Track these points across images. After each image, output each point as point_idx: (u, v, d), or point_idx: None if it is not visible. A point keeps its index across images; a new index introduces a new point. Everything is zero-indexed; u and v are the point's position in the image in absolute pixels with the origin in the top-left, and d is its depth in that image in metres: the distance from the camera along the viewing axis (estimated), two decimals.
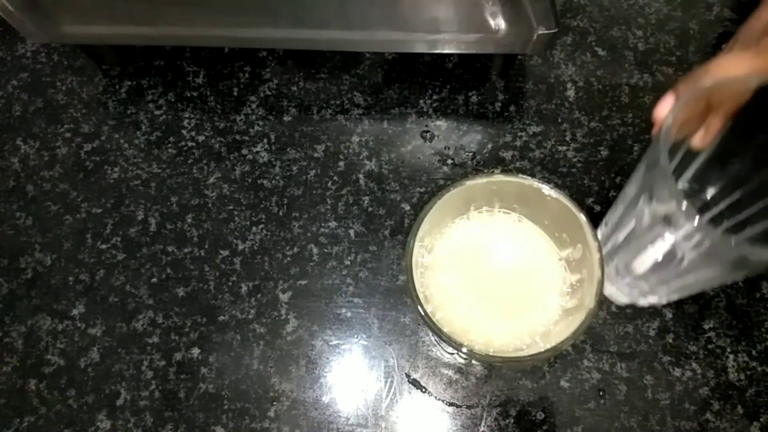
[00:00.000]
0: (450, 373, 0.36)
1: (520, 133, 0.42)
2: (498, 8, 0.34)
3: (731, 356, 0.35)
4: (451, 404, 0.35)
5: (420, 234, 0.29)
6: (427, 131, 0.42)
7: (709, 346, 0.35)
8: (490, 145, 0.42)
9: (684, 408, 0.34)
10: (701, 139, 0.27)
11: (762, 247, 0.27)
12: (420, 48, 0.39)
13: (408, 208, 0.40)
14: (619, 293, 0.35)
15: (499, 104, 0.43)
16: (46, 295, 0.39)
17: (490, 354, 0.27)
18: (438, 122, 0.42)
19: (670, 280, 0.31)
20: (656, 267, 0.30)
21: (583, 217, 0.28)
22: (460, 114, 0.43)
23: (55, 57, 0.46)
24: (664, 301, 0.35)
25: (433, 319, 0.27)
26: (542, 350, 0.26)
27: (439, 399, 0.35)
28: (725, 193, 0.33)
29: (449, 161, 0.41)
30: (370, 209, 0.40)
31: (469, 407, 0.35)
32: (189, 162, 0.42)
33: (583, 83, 0.43)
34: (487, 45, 0.37)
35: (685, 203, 0.24)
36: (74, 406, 0.36)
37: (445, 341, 0.26)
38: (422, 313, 0.27)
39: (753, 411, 0.34)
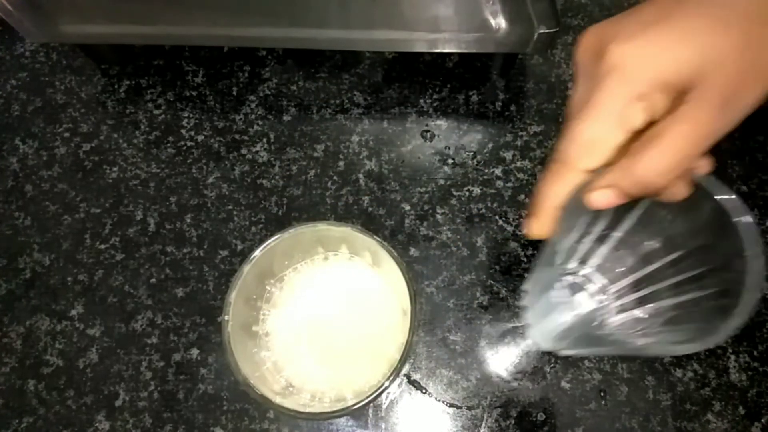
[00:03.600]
0: (450, 374, 0.35)
1: (520, 133, 0.42)
2: (498, 7, 0.34)
3: (732, 357, 0.35)
4: (451, 405, 0.35)
5: (238, 293, 0.29)
6: (428, 131, 0.42)
7: (710, 347, 0.35)
8: (490, 145, 0.41)
9: (685, 409, 0.34)
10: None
11: (646, 341, 0.28)
12: (420, 47, 0.38)
13: (408, 208, 0.40)
14: (542, 342, 0.35)
15: (500, 104, 0.43)
16: (45, 296, 0.38)
17: (285, 407, 0.27)
18: (438, 122, 0.42)
19: (579, 348, 0.32)
20: (563, 336, 0.32)
21: (401, 275, 0.28)
22: (461, 113, 0.42)
23: (54, 56, 0.46)
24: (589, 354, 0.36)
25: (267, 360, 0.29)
26: (349, 404, 0.27)
27: (439, 400, 0.35)
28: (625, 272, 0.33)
29: (450, 161, 0.41)
30: (370, 209, 0.40)
31: (469, 408, 0.35)
32: (188, 162, 0.42)
33: None
34: (488, 44, 0.37)
35: (575, 295, 0.25)
36: (73, 406, 0.36)
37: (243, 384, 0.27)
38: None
39: (754, 411, 0.34)
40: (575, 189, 0.26)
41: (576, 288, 0.34)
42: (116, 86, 0.45)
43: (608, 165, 0.25)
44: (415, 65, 0.44)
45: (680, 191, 0.25)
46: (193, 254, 0.39)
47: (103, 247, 0.40)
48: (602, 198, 0.25)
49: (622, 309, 0.34)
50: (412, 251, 0.38)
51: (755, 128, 0.40)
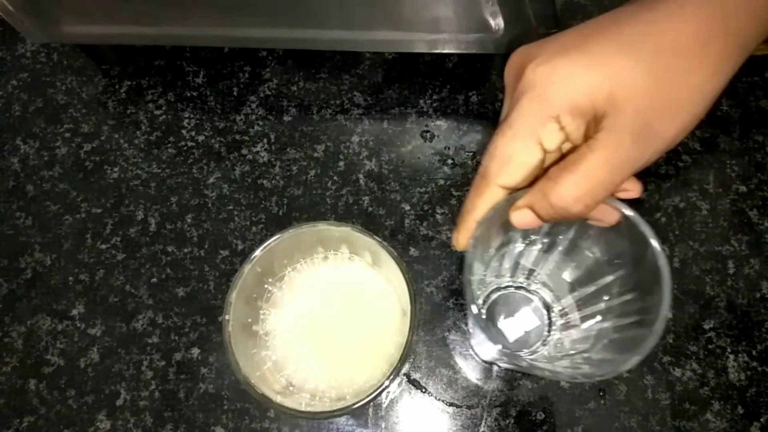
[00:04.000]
0: (450, 373, 0.36)
1: None
2: (498, 8, 0.34)
3: (731, 356, 0.35)
4: (451, 404, 0.35)
5: (238, 293, 0.29)
6: (427, 131, 0.42)
7: (709, 346, 0.35)
8: None
9: (684, 408, 0.34)
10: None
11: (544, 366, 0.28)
12: (420, 48, 0.39)
13: (408, 208, 0.40)
14: (482, 353, 0.36)
15: (500, 104, 0.43)
16: (46, 295, 0.39)
17: (285, 405, 0.27)
18: (438, 122, 0.42)
19: (513, 365, 0.32)
20: (493, 353, 0.32)
21: (401, 274, 0.28)
22: (461, 114, 0.43)
23: (55, 57, 0.46)
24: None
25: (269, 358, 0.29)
26: (349, 403, 0.26)
27: (439, 399, 0.35)
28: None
29: (449, 161, 0.41)
30: (370, 209, 0.40)
31: (469, 407, 0.35)
32: (189, 162, 0.42)
33: None
34: (487, 45, 0.37)
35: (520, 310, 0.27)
36: (74, 406, 0.36)
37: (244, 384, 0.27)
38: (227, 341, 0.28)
39: (753, 411, 0.34)
40: (495, 205, 0.26)
41: (524, 302, 0.35)
42: (117, 86, 0.45)
43: (532, 185, 0.25)
44: (415, 66, 0.44)
45: (608, 217, 0.25)
46: (193, 254, 0.39)
47: (104, 247, 0.40)
48: (522, 218, 0.25)
49: (566, 326, 0.34)
50: (412, 251, 0.39)
51: (755, 128, 0.41)
